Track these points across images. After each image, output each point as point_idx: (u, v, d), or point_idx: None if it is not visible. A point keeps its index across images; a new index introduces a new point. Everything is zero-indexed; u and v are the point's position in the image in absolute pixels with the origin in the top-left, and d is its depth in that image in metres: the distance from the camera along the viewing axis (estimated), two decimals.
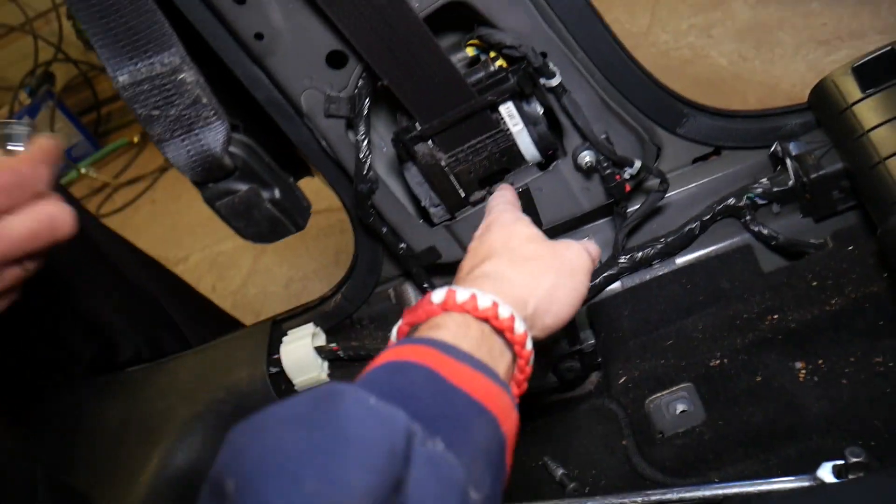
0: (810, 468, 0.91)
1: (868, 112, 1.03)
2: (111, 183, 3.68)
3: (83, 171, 3.71)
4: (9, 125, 0.78)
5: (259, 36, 0.93)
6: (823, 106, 1.10)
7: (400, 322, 0.71)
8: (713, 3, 2.66)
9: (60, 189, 1.41)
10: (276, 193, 0.86)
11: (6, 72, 4.03)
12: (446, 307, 0.67)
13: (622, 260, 1.16)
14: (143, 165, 3.75)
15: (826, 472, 0.88)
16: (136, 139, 3.91)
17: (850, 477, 0.85)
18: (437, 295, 0.68)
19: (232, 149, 0.81)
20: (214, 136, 0.77)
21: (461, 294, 0.67)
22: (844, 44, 2.26)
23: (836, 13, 2.37)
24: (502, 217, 0.84)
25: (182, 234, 3.08)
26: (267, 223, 0.88)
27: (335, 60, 0.97)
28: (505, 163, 1.06)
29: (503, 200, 0.93)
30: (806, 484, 0.89)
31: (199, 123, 0.76)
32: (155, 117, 0.74)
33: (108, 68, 0.70)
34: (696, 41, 2.59)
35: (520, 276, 0.73)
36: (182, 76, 0.72)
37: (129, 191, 3.61)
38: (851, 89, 1.06)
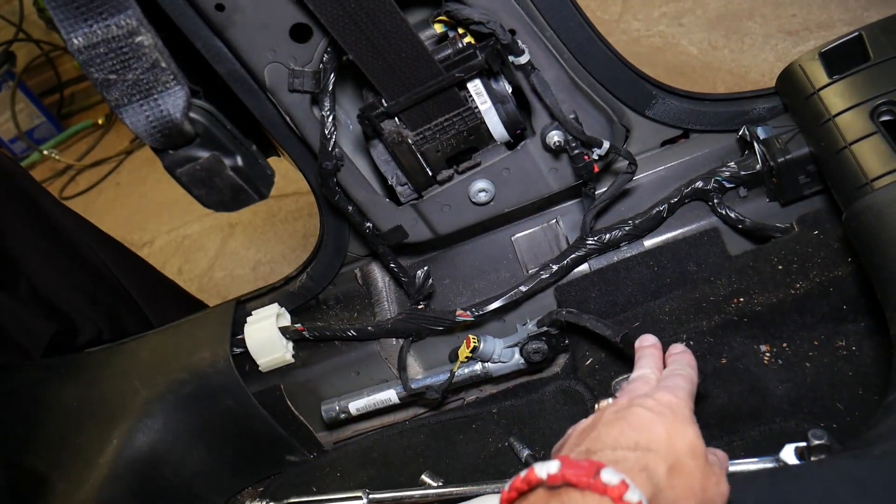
0: (773, 450, 0.91)
1: (834, 97, 1.03)
2: (75, 165, 3.61)
3: (45, 153, 3.63)
4: None
5: (220, 7, 0.91)
6: (790, 91, 1.10)
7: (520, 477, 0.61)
8: None
9: (21, 171, 1.38)
10: (239, 161, 0.84)
11: None
12: (587, 485, 0.58)
13: (590, 242, 1.15)
14: (107, 148, 3.68)
15: (789, 454, 0.88)
16: (100, 121, 3.84)
17: (812, 459, 0.85)
18: (581, 469, 0.59)
19: (192, 115, 0.79)
20: (174, 101, 0.74)
21: (610, 476, 0.58)
22: (813, 34, 2.28)
23: (805, 4, 2.39)
24: (675, 406, 0.72)
25: (147, 217, 3.03)
26: (229, 191, 0.86)
27: (299, 33, 0.95)
28: (473, 141, 1.04)
29: (656, 366, 0.85)
30: (769, 465, 0.89)
31: (157, 88, 0.73)
32: (112, 81, 0.71)
33: (62, 30, 0.68)
34: (667, 29, 2.60)
35: (671, 491, 0.64)
36: (139, 39, 0.69)
37: (94, 173, 3.54)
38: (818, 75, 1.06)
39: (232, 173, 0.84)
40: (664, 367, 0.87)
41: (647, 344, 0.91)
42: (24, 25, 3.78)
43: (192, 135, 0.80)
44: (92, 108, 4.01)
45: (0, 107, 3.71)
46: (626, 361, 1.10)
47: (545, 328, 1.17)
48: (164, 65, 0.71)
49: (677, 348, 0.89)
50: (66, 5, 0.66)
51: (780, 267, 1.08)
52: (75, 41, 0.68)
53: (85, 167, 3.60)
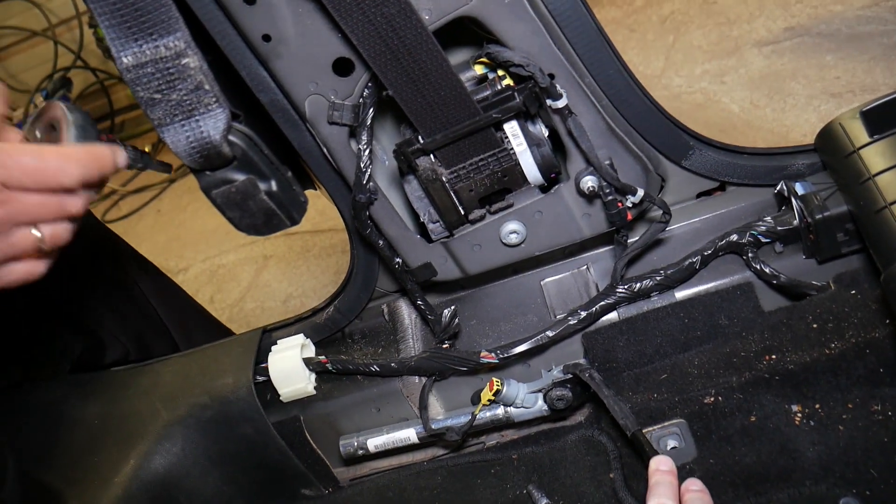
0: None
1: (875, 156, 1.02)
2: (119, 190, 3.70)
3: None
4: (59, 108, 0.79)
5: (267, 38, 0.93)
6: (830, 148, 1.09)
7: None
8: (728, 51, 2.68)
9: None
10: (273, 186, 0.85)
11: (25, 75, 4.08)
12: None
13: (620, 290, 1.14)
14: (151, 175, 3.77)
15: None
16: (147, 149, 3.93)
17: None
18: None
19: (231, 138, 0.81)
20: (215, 123, 0.76)
21: None
22: (856, 97, 2.27)
23: (849, 67, 2.38)
24: None
25: (185, 244, 3.08)
26: (262, 215, 0.87)
27: (342, 67, 0.97)
28: (506, 182, 1.05)
29: None
30: None
31: (200, 110, 0.75)
32: (156, 101, 0.73)
33: (113, 48, 0.70)
34: (709, 86, 2.61)
35: None
36: (186, 61, 0.72)
37: (136, 199, 3.62)
38: (859, 133, 1.05)
39: (266, 198, 0.85)
40: (679, 498, 0.89)
41: (664, 469, 0.93)
42: (82, 53, 3.93)
43: (229, 157, 0.81)
44: (140, 136, 4.12)
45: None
46: (651, 414, 1.08)
47: (570, 375, 1.16)
48: (207, 87, 0.73)
49: (695, 485, 0.91)
50: (118, 25, 0.68)
51: (814, 325, 1.05)
52: (124, 60, 0.70)
53: (128, 193, 3.69)
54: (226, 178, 0.83)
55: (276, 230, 0.89)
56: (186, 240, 3.11)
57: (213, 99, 0.74)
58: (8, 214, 0.73)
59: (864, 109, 1.06)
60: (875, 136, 1.03)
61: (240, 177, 0.83)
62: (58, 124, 0.81)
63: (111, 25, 0.68)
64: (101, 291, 1.45)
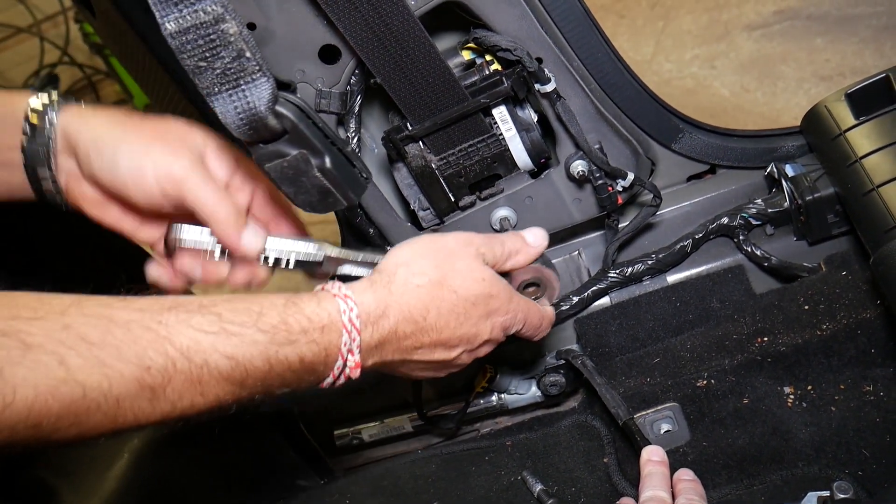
0: (795, 496, 0.88)
1: (861, 139, 1.02)
2: None
3: None
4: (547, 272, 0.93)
5: (251, 26, 0.92)
6: (816, 131, 1.09)
7: None
8: (718, 35, 2.68)
9: None
10: (327, 162, 0.80)
11: (11, 72, 4.04)
12: None
13: (612, 274, 1.14)
14: None
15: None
16: None
17: None
18: None
19: (280, 109, 0.77)
20: (259, 93, 0.72)
21: None
22: (847, 80, 2.27)
23: (839, 50, 2.38)
24: None
25: None
26: (317, 192, 0.82)
27: (328, 55, 0.96)
28: (496, 168, 1.04)
29: None
30: None
31: (245, 79, 0.71)
32: (202, 69, 0.70)
33: (157, 14, 0.68)
34: (700, 71, 2.60)
35: None
36: (225, 26, 0.68)
37: None
38: (845, 116, 1.05)
39: (319, 174, 0.80)
40: (671, 488, 0.90)
41: (655, 459, 0.94)
42: (69, 49, 3.89)
43: (279, 130, 0.77)
44: None
45: None
46: (644, 398, 1.08)
47: (563, 361, 1.16)
48: (248, 55, 0.71)
49: (687, 475, 0.92)
50: None
51: (806, 307, 1.05)
52: (168, 25, 0.68)
53: None
54: (279, 150, 0.79)
55: (333, 209, 0.84)
56: None
57: (256, 67, 0.71)
58: (489, 350, 0.87)
59: (850, 91, 1.06)
60: (861, 119, 1.03)
61: (292, 151, 0.79)
62: (543, 286, 0.93)
63: None
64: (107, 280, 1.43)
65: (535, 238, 0.92)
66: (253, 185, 0.91)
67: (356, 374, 0.75)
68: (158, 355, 0.60)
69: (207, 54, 0.71)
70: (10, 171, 0.83)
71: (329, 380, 0.74)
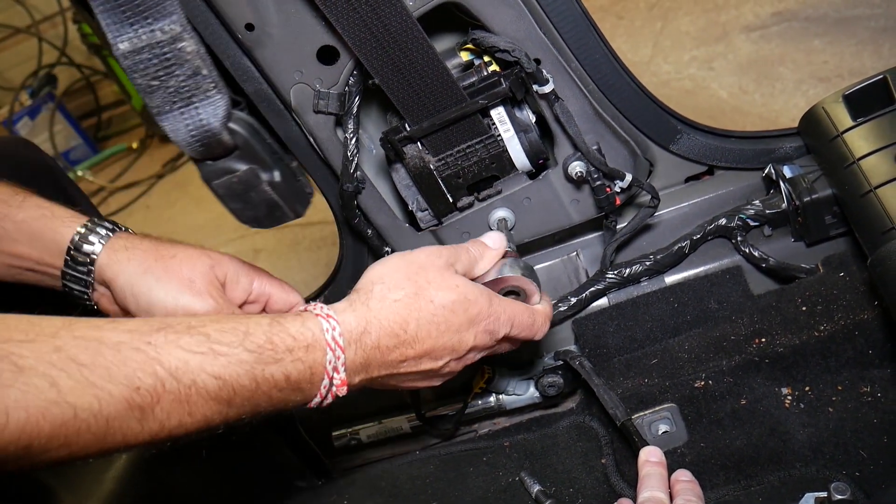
0: (793, 496, 0.88)
1: (859, 140, 1.02)
2: (107, 187, 3.68)
3: (80, 173, 3.71)
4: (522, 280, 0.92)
5: (250, 27, 0.92)
6: (814, 132, 1.09)
7: None
8: (716, 37, 2.68)
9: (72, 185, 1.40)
10: (276, 176, 0.83)
11: (9, 73, 4.04)
12: None
13: (610, 275, 1.14)
14: (140, 171, 3.75)
15: None
16: (134, 145, 3.92)
17: None
18: None
19: (233, 126, 0.78)
20: (214, 110, 0.74)
21: None
22: (845, 81, 2.27)
23: (837, 51, 2.38)
24: None
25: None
26: (265, 207, 0.84)
27: (326, 56, 0.96)
28: (494, 169, 1.04)
29: None
30: None
31: (198, 96, 0.73)
32: (155, 87, 0.71)
33: (109, 34, 0.69)
34: (698, 73, 2.60)
35: None
36: (182, 45, 0.70)
37: (125, 195, 3.60)
38: (842, 117, 1.05)
39: (269, 188, 0.83)
40: (669, 489, 0.91)
41: (653, 460, 0.94)
42: (67, 50, 3.90)
43: (230, 146, 0.79)
44: (127, 132, 4.10)
45: (39, 127, 3.81)
46: (642, 399, 1.08)
47: (561, 362, 1.16)
48: (205, 72, 0.72)
49: (685, 475, 0.93)
50: (113, 10, 0.67)
51: (803, 308, 1.05)
52: (121, 46, 0.69)
53: (117, 189, 3.67)
54: (227, 167, 0.81)
55: (280, 222, 0.87)
56: (176, 235, 3.04)
57: (212, 85, 0.73)
58: (490, 352, 0.89)
59: (847, 93, 1.06)
60: (859, 120, 1.03)
61: (242, 167, 0.81)
62: (523, 293, 0.93)
63: (105, 10, 0.67)
64: None
65: (494, 241, 0.94)
66: (268, 292, 0.98)
67: (343, 391, 0.76)
68: (147, 376, 0.62)
69: (161, 73, 0.71)
70: (48, 279, 0.91)
71: (317, 399, 0.75)
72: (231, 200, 0.85)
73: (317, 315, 0.76)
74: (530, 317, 0.90)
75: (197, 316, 0.70)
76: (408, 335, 0.79)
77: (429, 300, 0.81)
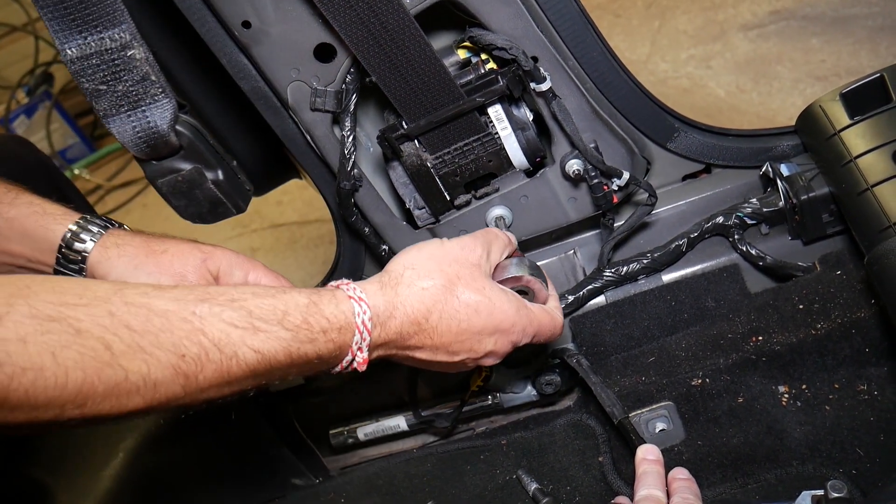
0: (789, 495, 0.88)
1: (856, 138, 1.02)
2: (104, 185, 3.66)
3: (76, 172, 3.70)
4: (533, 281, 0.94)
5: (247, 24, 0.92)
6: (811, 131, 1.09)
7: None
8: (713, 35, 2.68)
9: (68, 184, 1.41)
10: (220, 175, 0.87)
11: (5, 71, 4.03)
12: None
13: (607, 273, 1.14)
14: (136, 170, 3.72)
15: (806, 502, 0.86)
16: None
17: None
18: None
19: (178, 128, 0.82)
20: (162, 113, 0.78)
21: None
22: (842, 80, 2.27)
23: (834, 50, 2.38)
24: None
25: None
26: (207, 204, 0.89)
27: (323, 53, 0.96)
28: (492, 167, 1.04)
29: None
30: None
31: (146, 100, 0.76)
32: (102, 92, 0.74)
33: (56, 40, 0.70)
34: (695, 71, 2.60)
35: None
36: (132, 52, 0.72)
37: (122, 194, 3.59)
38: (839, 115, 1.05)
39: (212, 186, 0.87)
40: (666, 487, 0.92)
41: (651, 458, 0.95)
42: None
43: (176, 147, 0.83)
44: None
45: (35, 126, 3.80)
46: (640, 397, 1.08)
47: (558, 360, 1.16)
48: (153, 78, 0.74)
49: (682, 474, 0.94)
50: (61, 17, 0.68)
51: (800, 306, 1.06)
52: (69, 52, 0.71)
53: (114, 188, 3.66)
54: (172, 167, 0.85)
55: (222, 218, 0.91)
56: (173, 233, 3.06)
57: (160, 89, 0.75)
58: (495, 361, 0.92)
59: (844, 91, 1.06)
60: (856, 118, 1.03)
61: (186, 166, 0.85)
62: (531, 293, 0.95)
63: (54, 18, 0.69)
64: None
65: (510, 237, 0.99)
66: (263, 284, 0.98)
67: (363, 368, 0.80)
68: (193, 345, 0.65)
69: (109, 78, 0.73)
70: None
71: (336, 369, 0.79)
72: (174, 198, 0.89)
73: (349, 297, 0.79)
74: (551, 321, 0.93)
75: (237, 287, 0.73)
76: (429, 325, 0.82)
77: (455, 295, 0.83)
